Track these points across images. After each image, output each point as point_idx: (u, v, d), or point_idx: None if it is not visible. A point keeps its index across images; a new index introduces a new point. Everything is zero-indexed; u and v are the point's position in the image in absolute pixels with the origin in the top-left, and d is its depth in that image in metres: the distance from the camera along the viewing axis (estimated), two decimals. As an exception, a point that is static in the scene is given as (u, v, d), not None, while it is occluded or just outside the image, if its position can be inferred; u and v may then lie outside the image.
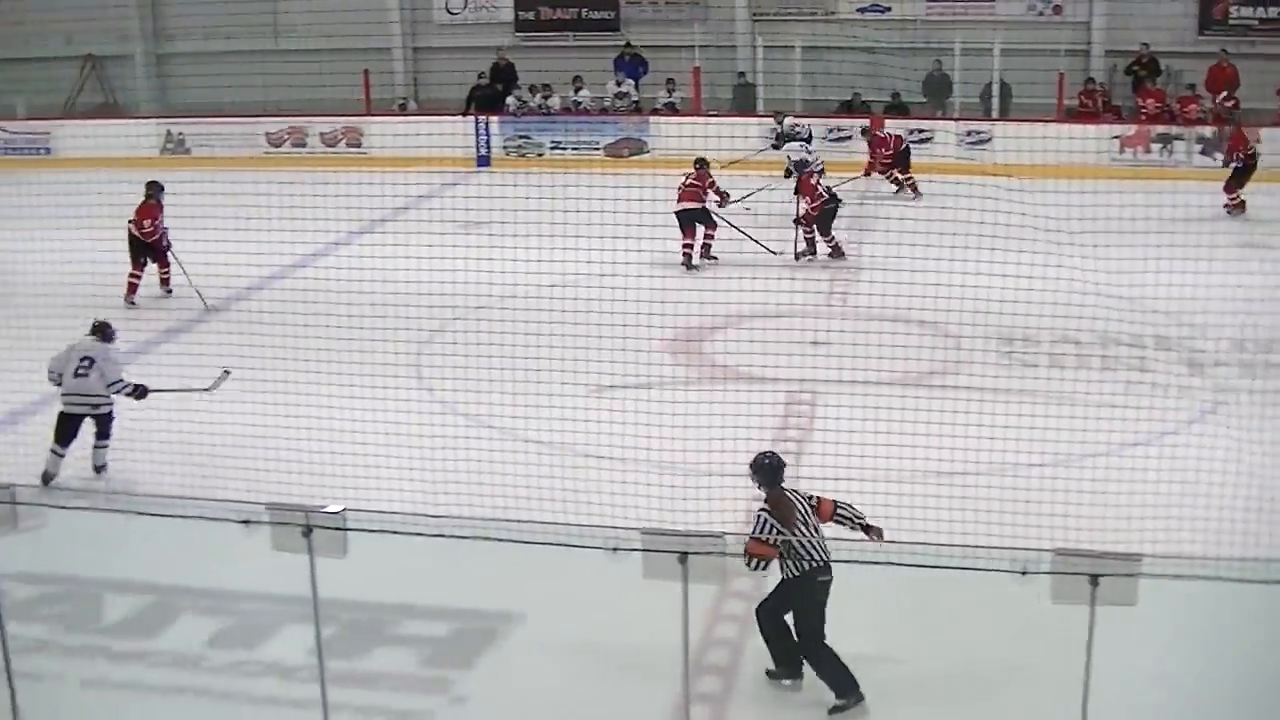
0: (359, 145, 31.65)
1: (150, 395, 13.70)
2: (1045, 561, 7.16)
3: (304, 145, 31.95)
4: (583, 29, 33.55)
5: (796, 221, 22.22)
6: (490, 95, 32.06)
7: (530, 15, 33.61)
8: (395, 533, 6.57)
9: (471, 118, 31.17)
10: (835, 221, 22.21)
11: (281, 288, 18.79)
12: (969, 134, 29.04)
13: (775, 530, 9.32)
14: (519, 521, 6.69)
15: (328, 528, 6.35)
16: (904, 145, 27.07)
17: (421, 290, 15.29)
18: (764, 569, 9.46)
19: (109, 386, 13.58)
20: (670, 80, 31.81)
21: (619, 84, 31.97)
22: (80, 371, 13.57)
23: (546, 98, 32.13)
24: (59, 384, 13.62)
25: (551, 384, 14.06)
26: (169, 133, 32.52)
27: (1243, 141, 24.83)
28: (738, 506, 11.35)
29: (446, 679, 10.37)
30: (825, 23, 32.12)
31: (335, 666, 9.75)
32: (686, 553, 6.60)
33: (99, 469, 13.61)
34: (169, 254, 20.18)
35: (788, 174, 24.36)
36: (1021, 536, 10.39)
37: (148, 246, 20.20)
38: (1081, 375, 15.28)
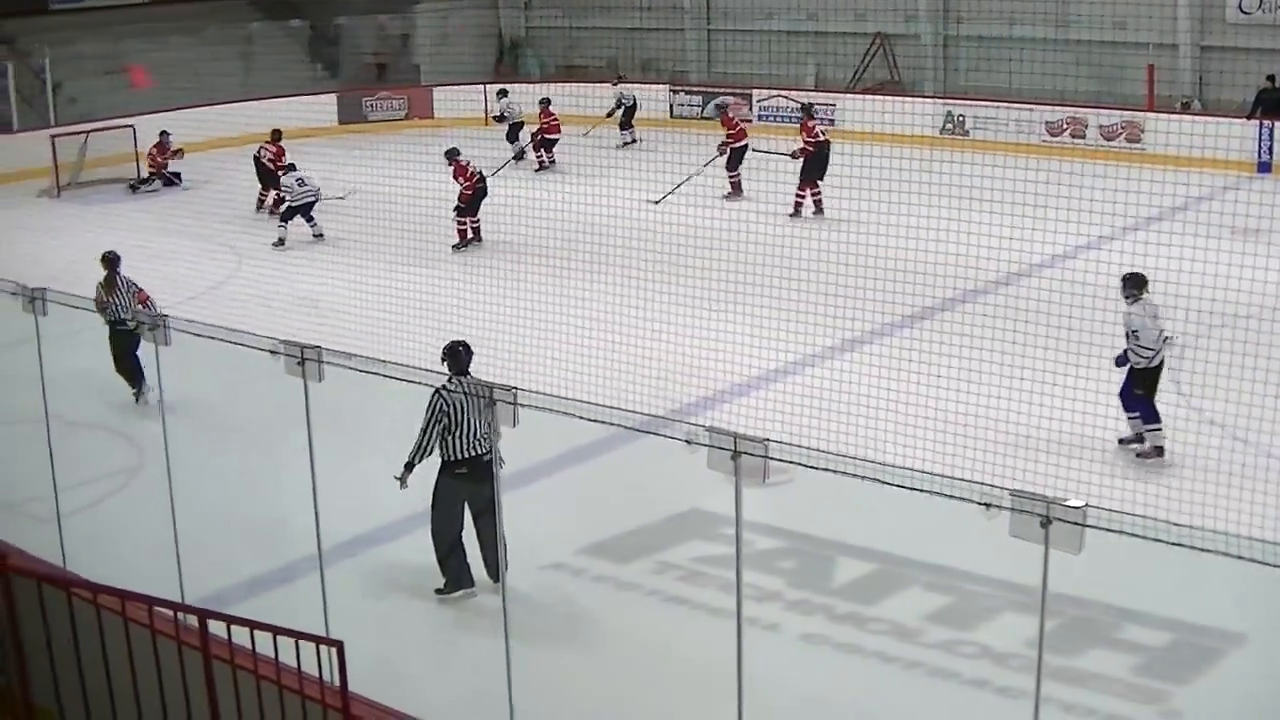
0: (1138, 141, 30.84)
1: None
2: None
3: (1083, 137, 31.47)
4: (1388, 33, 31.19)
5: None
6: (1277, 100, 30.43)
7: (1329, 17, 31.57)
8: (1133, 535, 6.38)
9: (1255, 122, 29.69)
10: None
11: (1048, 276, 18.67)
12: None
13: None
14: (1260, 540, 6.33)
15: (1067, 521, 6.25)
16: None
17: (1187, 294, 14.80)
18: None
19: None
20: None
21: None
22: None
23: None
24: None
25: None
26: (949, 113, 32.94)
27: None
28: None
29: (1161, 691, 10.08)
30: None
31: (1049, 660, 9.66)
32: None
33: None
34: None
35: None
36: None
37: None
38: None
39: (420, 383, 10.78)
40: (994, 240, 15.84)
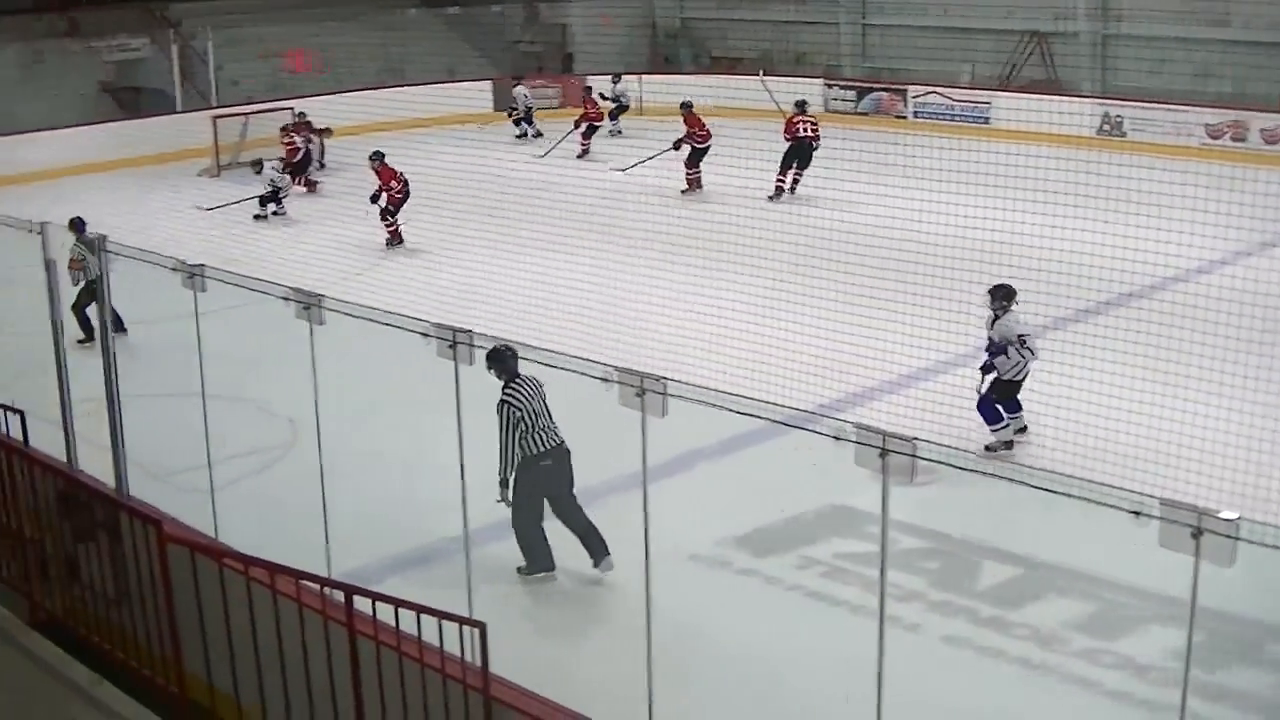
0: (1300, 145, 30.22)
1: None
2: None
3: (1244, 140, 30.86)
4: None
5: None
6: None
7: None
8: (1285, 550, 6.26)
9: None
10: None
11: (1205, 283, 18.36)
12: None
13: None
14: None
15: (1218, 534, 6.14)
16: None
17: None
18: None
19: None
20: None
21: None
22: None
23: None
24: None
25: None
26: (1106, 114, 32.46)
27: None
28: None
29: (1309, 714, 9.88)
30: None
31: (1193, 674, 9.49)
32: None
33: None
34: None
35: None
36: None
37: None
38: None
39: (567, 369, 10.87)
40: (1149, 244, 15.60)
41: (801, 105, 27.96)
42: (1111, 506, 6.38)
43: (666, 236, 20.39)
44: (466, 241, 21.97)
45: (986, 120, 33.68)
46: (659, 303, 17.14)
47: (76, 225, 18.17)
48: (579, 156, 31.86)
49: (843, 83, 37.10)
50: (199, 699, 8.66)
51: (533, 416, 11.46)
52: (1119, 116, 32.26)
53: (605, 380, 8.43)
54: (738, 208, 21.06)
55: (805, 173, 26.82)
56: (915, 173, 21.13)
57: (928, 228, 18.56)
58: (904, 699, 7.92)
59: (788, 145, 27.00)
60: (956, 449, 7.25)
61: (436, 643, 7.78)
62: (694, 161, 27.69)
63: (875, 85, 36.43)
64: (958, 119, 34.18)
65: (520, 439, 11.43)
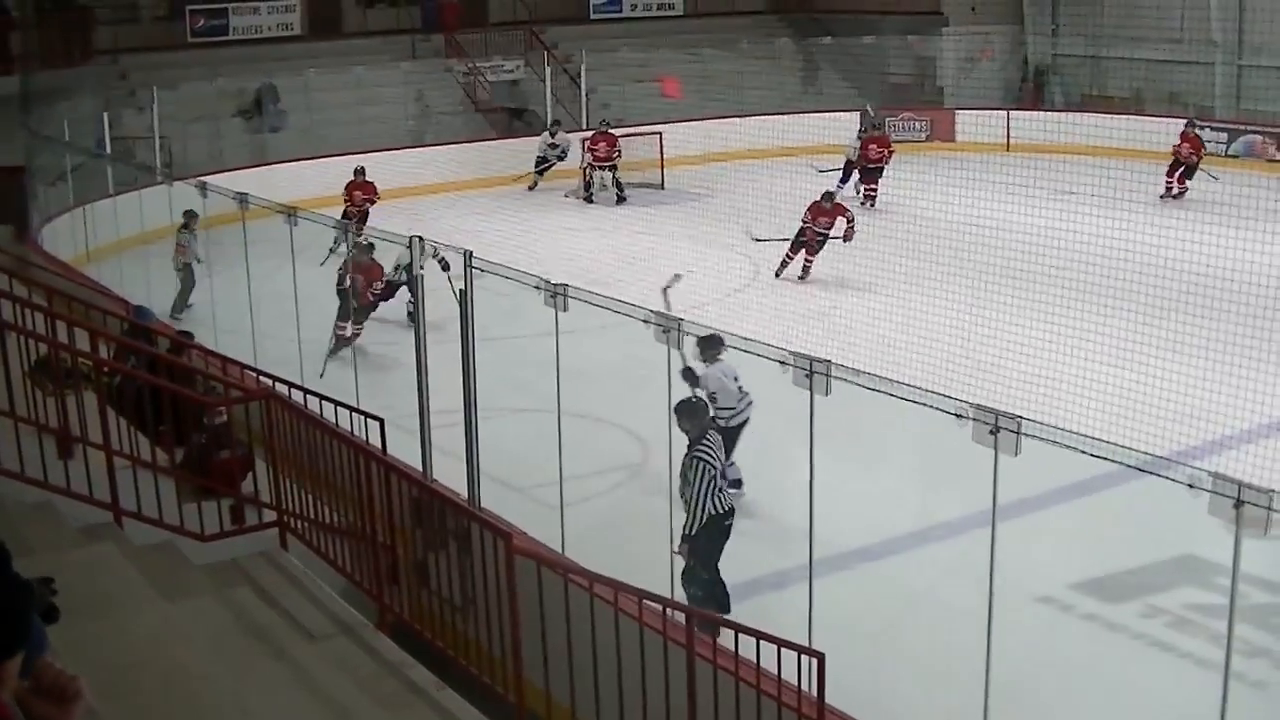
0: None
1: None
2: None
3: None
4: None
5: None
6: None
7: None
8: None
9: None
10: None
11: None
12: None
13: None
14: None
15: None
16: None
17: None
18: None
19: None
20: None
21: None
22: None
23: None
24: None
25: None
26: None
27: None
28: None
29: None
30: None
31: None
32: None
33: None
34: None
35: None
36: None
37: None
38: None
39: (921, 403, 10.71)
40: None
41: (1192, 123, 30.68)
42: None
43: (1023, 274, 19.98)
44: (828, 273, 21.97)
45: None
46: (1015, 341, 16.76)
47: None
48: (863, 204, 28.98)
49: (1214, 124, 35.61)
50: (536, 708, 8.81)
51: (720, 478, 11.36)
52: None
53: (959, 416, 8.31)
54: (1101, 249, 20.45)
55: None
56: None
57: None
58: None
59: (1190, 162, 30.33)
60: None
61: (774, 670, 7.75)
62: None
63: (1247, 127, 34.89)
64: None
65: (711, 496, 11.29)
